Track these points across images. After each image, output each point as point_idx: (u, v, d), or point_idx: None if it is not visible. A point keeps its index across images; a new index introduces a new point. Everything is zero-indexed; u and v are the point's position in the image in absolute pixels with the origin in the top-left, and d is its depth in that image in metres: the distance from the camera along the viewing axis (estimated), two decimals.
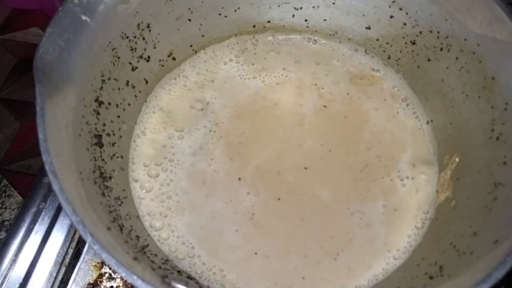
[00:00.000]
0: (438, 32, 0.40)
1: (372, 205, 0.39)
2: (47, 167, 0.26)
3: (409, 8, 0.42)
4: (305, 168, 0.41)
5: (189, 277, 0.34)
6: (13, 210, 0.67)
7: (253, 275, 0.36)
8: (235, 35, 0.49)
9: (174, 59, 0.46)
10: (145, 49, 0.42)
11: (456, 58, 0.39)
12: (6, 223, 0.65)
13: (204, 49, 0.47)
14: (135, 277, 0.23)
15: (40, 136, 0.27)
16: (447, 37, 0.39)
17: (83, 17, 0.34)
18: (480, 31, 0.36)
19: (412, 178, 0.41)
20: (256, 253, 0.36)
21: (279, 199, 0.39)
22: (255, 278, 0.35)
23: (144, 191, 0.39)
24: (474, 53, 0.37)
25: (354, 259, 0.37)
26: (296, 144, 0.42)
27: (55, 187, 0.25)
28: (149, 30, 0.41)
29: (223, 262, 0.36)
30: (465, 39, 0.38)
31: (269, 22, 0.49)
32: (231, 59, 0.47)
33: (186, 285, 0.28)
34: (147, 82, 0.44)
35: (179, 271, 0.34)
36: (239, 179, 0.40)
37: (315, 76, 0.46)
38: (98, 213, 0.28)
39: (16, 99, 0.81)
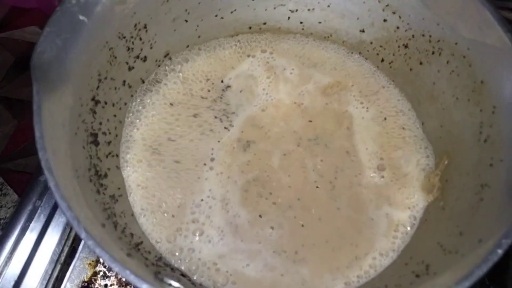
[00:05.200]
0: (430, 36, 0.41)
1: (371, 209, 0.40)
2: (43, 164, 0.26)
3: (402, 12, 0.42)
4: (317, 187, 0.41)
5: (182, 274, 0.34)
6: (9, 208, 0.67)
7: None
8: (231, 36, 0.49)
9: (170, 59, 0.46)
10: (141, 49, 0.42)
11: (447, 62, 0.40)
12: (2, 221, 0.65)
13: (200, 51, 0.48)
14: (128, 272, 0.23)
15: (37, 133, 0.27)
16: (438, 41, 0.40)
17: (81, 17, 0.34)
18: (470, 35, 0.37)
19: (404, 179, 0.41)
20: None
21: (302, 225, 0.39)
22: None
23: (139, 189, 0.40)
24: (464, 57, 0.38)
25: (346, 257, 0.38)
26: (300, 166, 0.42)
27: (51, 183, 0.26)
28: (146, 31, 0.42)
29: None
30: (456, 43, 0.38)
31: (264, 24, 0.49)
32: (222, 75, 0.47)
33: (178, 281, 0.28)
34: (143, 81, 0.44)
35: (172, 268, 0.34)
36: (260, 216, 0.39)
37: (295, 93, 0.46)
38: (93, 210, 0.29)
39: (14, 97, 0.81)
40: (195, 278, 0.34)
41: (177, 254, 0.36)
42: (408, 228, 0.39)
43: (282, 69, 0.48)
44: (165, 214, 0.39)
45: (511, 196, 0.28)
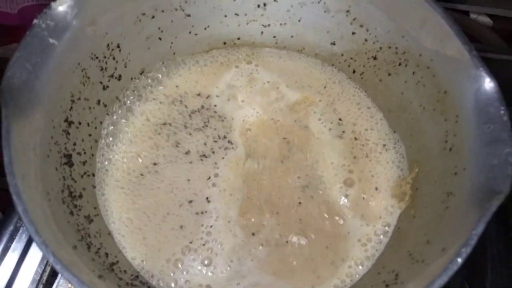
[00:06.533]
0: (396, 48, 0.42)
1: (347, 221, 0.41)
2: (11, 189, 0.26)
3: (369, 25, 0.44)
4: (300, 203, 0.41)
5: None
6: None
7: None
8: (206, 52, 0.50)
9: (147, 76, 0.47)
10: (115, 68, 0.43)
11: (413, 73, 0.41)
12: None
13: (176, 67, 0.48)
14: None
15: (5, 158, 0.28)
16: (404, 52, 0.42)
17: (51, 40, 0.35)
18: (432, 47, 0.38)
19: (377, 188, 0.42)
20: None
21: (287, 242, 0.39)
22: None
23: (115, 208, 0.40)
24: (428, 68, 0.39)
25: (325, 270, 0.38)
26: (285, 183, 0.42)
27: (19, 208, 0.26)
28: (119, 50, 0.42)
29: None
30: (420, 55, 0.40)
31: (239, 39, 0.50)
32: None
33: None
34: (119, 100, 0.45)
35: (149, 287, 0.34)
36: (253, 234, 0.39)
37: (270, 108, 0.47)
38: (64, 232, 0.29)
39: None
40: None
41: (162, 273, 0.36)
42: (381, 237, 0.40)
43: (261, 83, 0.49)
44: (151, 232, 0.39)
45: (473, 205, 0.29)
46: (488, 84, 0.33)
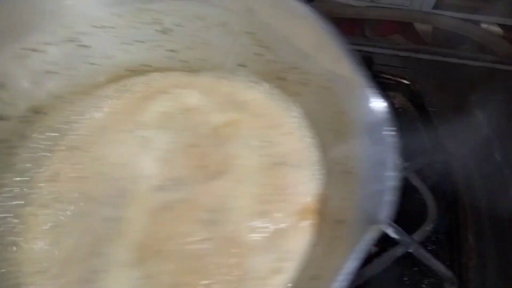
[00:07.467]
0: (300, 69, 0.41)
1: (256, 249, 0.38)
2: None
3: (274, 47, 0.43)
4: (204, 240, 0.38)
5: None
6: None
7: None
8: (113, 81, 0.48)
9: (45, 113, 0.44)
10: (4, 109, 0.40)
11: (317, 93, 0.40)
12: None
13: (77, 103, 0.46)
14: None
15: None
16: (307, 73, 0.40)
17: None
18: (329, 67, 0.37)
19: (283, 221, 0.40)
20: None
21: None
22: None
23: None
24: (328, 88, 0.38)
25: None
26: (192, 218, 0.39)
27: None
28: (6, 90, 0.39)
29: None
30: (320, 75, 0.39)
31: (149, 66, 0.48)
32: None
33: None
34: (10, 142, 0.41)
35: None
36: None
37: (190, 135, 0.45)
38: None
39: None
40: None
41: None
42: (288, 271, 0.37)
43: (183, 107, 0.46)
44: None
45: (358, 236, 0.27)
46: (380, 104, 0.32)
